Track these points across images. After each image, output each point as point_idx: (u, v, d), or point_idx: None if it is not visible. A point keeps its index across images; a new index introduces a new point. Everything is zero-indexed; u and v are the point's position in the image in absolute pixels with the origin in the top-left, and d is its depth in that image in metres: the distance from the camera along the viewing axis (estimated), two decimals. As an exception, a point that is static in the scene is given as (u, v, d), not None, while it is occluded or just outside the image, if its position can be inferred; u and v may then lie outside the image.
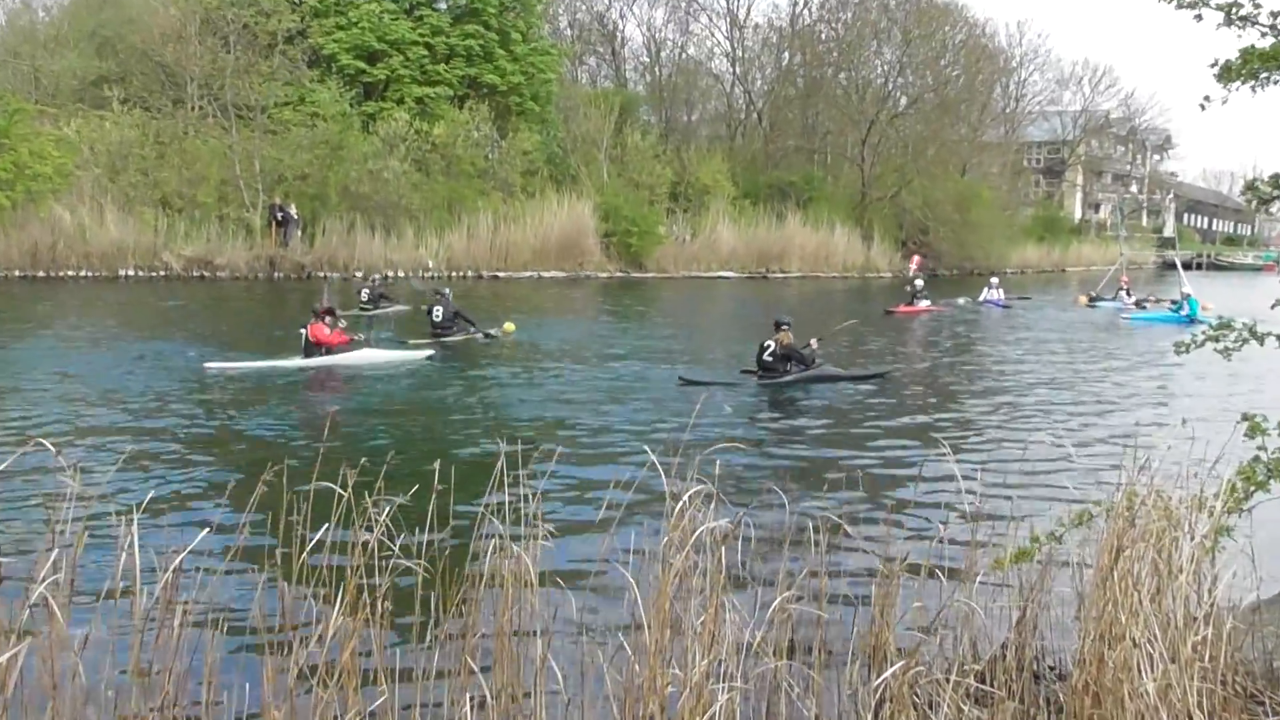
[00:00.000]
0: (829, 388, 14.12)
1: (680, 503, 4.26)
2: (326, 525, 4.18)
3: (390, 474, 4.68)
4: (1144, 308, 30.75)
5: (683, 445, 4.81)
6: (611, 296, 31.24)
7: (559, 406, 12.25)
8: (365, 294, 22.79)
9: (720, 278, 43.24)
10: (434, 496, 4.39)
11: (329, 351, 14.62)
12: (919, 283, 29.84)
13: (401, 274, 30.98)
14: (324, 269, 32.45)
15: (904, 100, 57.07)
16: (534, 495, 4.53)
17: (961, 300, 32.72)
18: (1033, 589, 4.79)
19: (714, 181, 46.83)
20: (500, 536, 4.29)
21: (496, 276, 36.11)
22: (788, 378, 14.03)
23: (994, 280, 34.34)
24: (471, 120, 38.81)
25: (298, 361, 14.44)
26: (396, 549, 4.14)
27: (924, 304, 28.62)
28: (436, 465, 4.52)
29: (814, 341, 14.79)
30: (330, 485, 4.23)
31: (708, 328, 23.78)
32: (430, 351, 15.98)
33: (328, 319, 14.83)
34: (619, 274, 40.25)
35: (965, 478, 8.44)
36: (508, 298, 27.77)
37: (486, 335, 18.23)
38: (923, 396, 13.95)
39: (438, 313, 18.42)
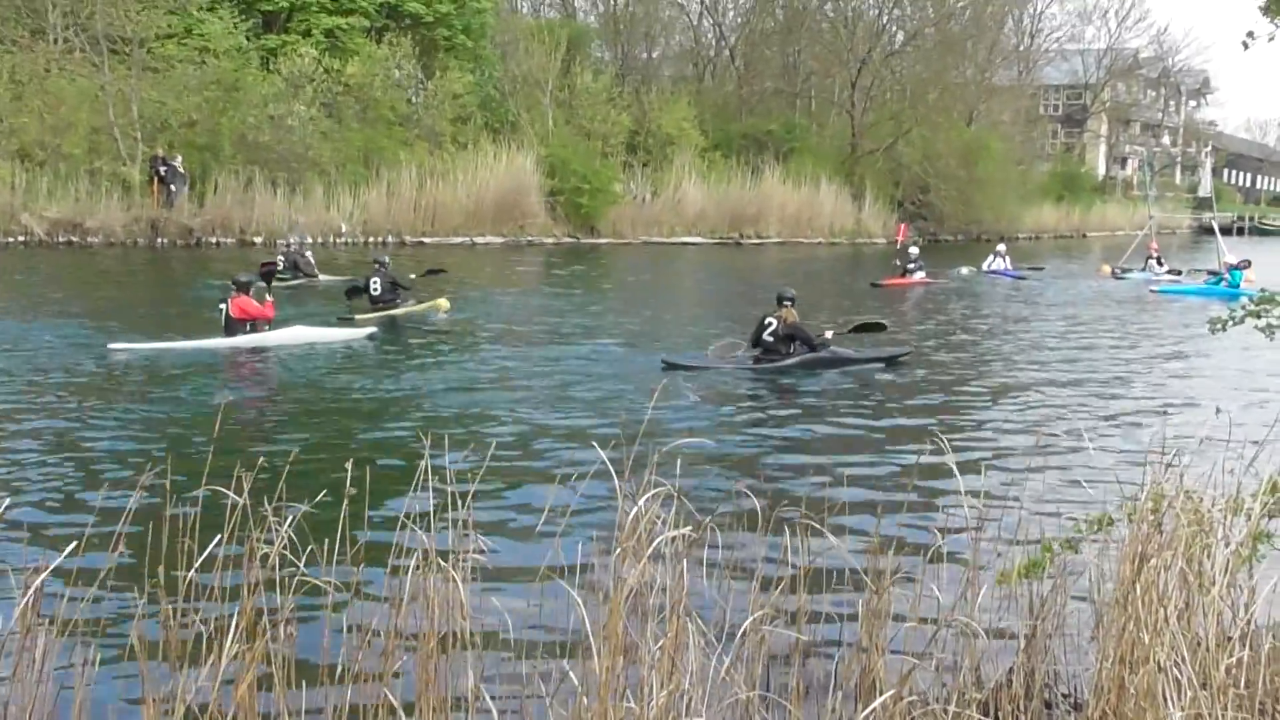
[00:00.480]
0: (837, 373, 14.23)
1: (635, 508, 4.27)
2: (219, 537, 4.14)
3: (296, 476, 4.66)
4: (1177, 279, 31.14)
5: (640, 440, 4.82)
6: (559, 266, 31.25)
7: (496, 396, 12.23)
8: (280, 260, 22.77)
9: (686, 244, 43.34)
10: (346, 503, 4.36)
11: (254, 328, 14.76)
12: (914, 250, 30.04)
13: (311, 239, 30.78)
14: (215, 233, 32.15)
15: (900, 36, 57.50)
16: (465, 500, 4.52)
17: (964, 270, 32.96)
18: (1044, 606, 4.85)
19: (679, 130, 46.91)
20: (425, 550, 4.28)
21: (422, 242, 35.94)
22: (790, 360, 14.18)
23: (1000, 247, 34.52)
24: (391, 57, 38.59)
25: (217, 341, 14.57)
26: (301, 565, 4.11)
27: (918, 275, 28.77)
28: (349, 466, 4.49)
29: (827, 333, 14.86)
30: (223, 490, 4.20)
31: (674, 303, 23.81)
32: (373, 329, 16.14)
33: (252, 290, 14.96)
34: (567, 239, 40.20)
35: (967, 476, 8.54)
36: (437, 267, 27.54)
37: (422, 305, 18.75)
38: (921, 383, 14.05)
39: (375, 284, 18.68)
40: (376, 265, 19.13)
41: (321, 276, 23.67)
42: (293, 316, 16.73)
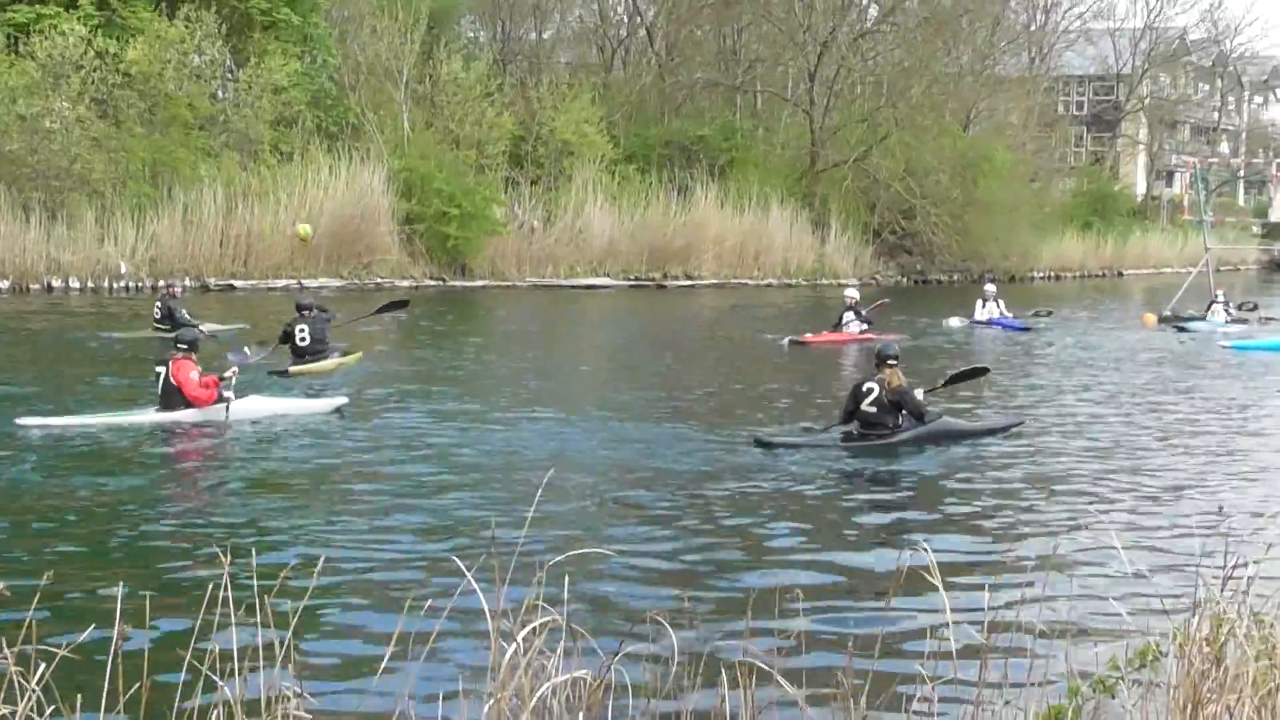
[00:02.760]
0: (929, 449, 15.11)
1: (513, 645, 4.23)
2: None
3: (53, 603, 4.57)
4: (1249, 321, 31.55)
5: (519, 549, 4.79)
6: (422, 317, 31.07)
7: (328, 486, 12.28)
8: (158, 308, 24.73)
9: (592, 288, 43.47)
10: (118, 640, 4.29)
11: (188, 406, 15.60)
12: (852, 293, 29.73)
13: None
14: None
15: (874, 10, 58.42)
16: (286, 635, 4.46)
17: (954, 321, 33.25)
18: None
19: (579, 136, 47.25)
20: (227, 701, 4.21)
21: (232, 287, 35.71)
22: (903, 434, 15.16)
23: (989, 289, 34.39)
24: (190, 37, 38.50)
25: (150, 416, 15.47)
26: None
27: (855, 330, 28.27)
28: (119, 590, 4.43)
29: (919, 393, 15.69)
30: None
31: (577, 366, 23.81)
32: (343, 400, 17.05)
33: (194, 356, 15.85)
34: (430, 282, 40.20)
35: (963, 593, 8.58)
36: (251, 319, 27.36)
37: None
38: (900, 467, 14.19)
39: (303, 333, 20.41)
40: (301, 312, 20.71)
41: (207, 326, 24.32)
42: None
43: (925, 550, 5.46)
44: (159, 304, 25.06)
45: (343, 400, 17.03)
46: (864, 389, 15.17)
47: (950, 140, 57.35)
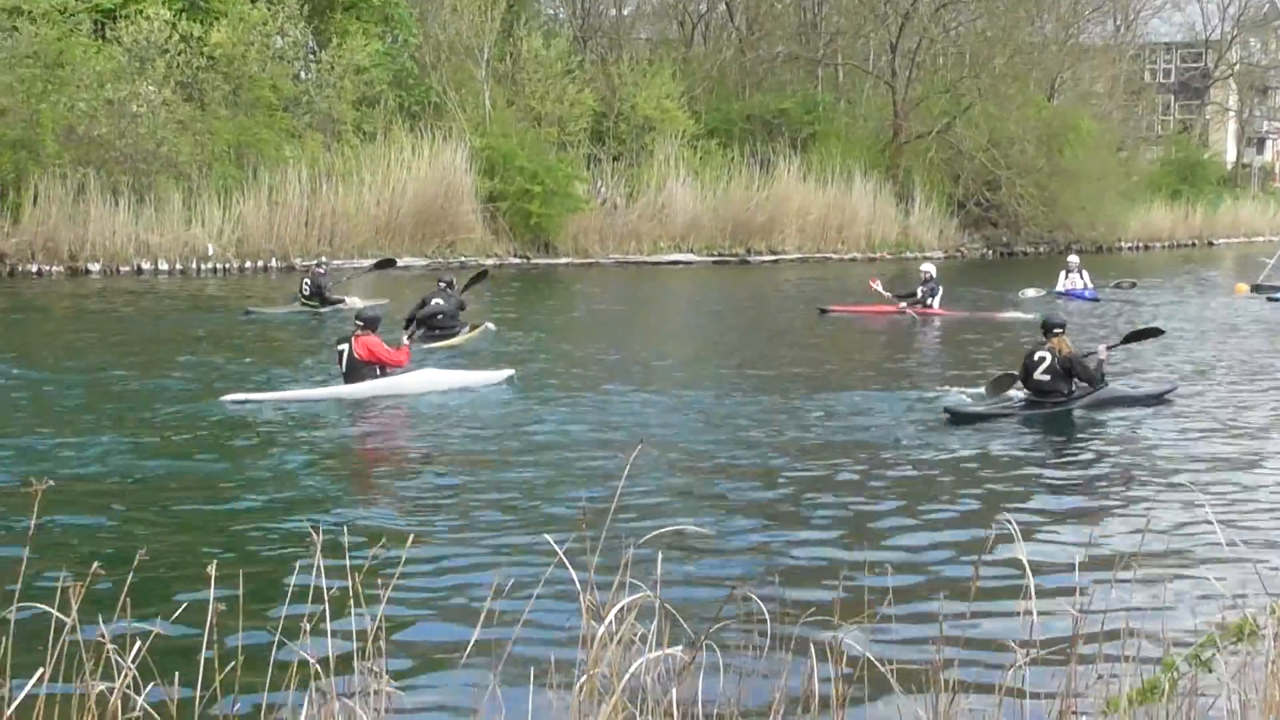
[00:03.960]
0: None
1: (605, 623, 4.23)
2: (39, 672, 4.11)
3: (147, 582, 4.61)
4: None
5: (608, 526, 4.78)
6: (506, 295, 31.17)
7: (422, 466, 12.39)
8: (306, 285, 25.98)
9: (675, 264, 43.42)
10: (211, 621, 4.32)
11: (383, 372, 16.38)
12: (928, 268, 29.22)
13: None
14: (35, 259, 32.08)
15: (957, -20, 57.84)
16: (375, 614, 4.48)
17: (1030, 292, 32.90)
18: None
19: (660, 112, 47.15)
20: (316, 681, 4.23)
21: (319, 266, 35.95)
22: (1080, 401, 15.66)
23: (1073, 260, 34.12)
24: (272, 20, 38.75)
25: (335, 390, 16.35)
26: (141, 703, 4.07)
27: (932, 303, 27.88)
28: (212, 569, 4.46)
29: (1102, 349, 16.50)
30: (43, 608, 4.17)
31: (667, 344, 23.79)
32: (510, 371, 17.58)
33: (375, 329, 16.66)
34: (513, 260, 40.28)
35: (1051, 576, 8.50)
36: (371, 296, 27.55)
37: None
38: (984, 442, 14.09)
39: (437, 305, 21.45)
40: (441, 286, 22.08)
41: (349, 300, 25.58)
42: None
43: (1010, 524, 5.39)
44: (307, 280, 26.18)
45: (510, 371, 17.50)
46: (1035, 358, 15.56)
47: (1035, 110, 56.71)
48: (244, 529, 10.08)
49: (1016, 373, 16.22)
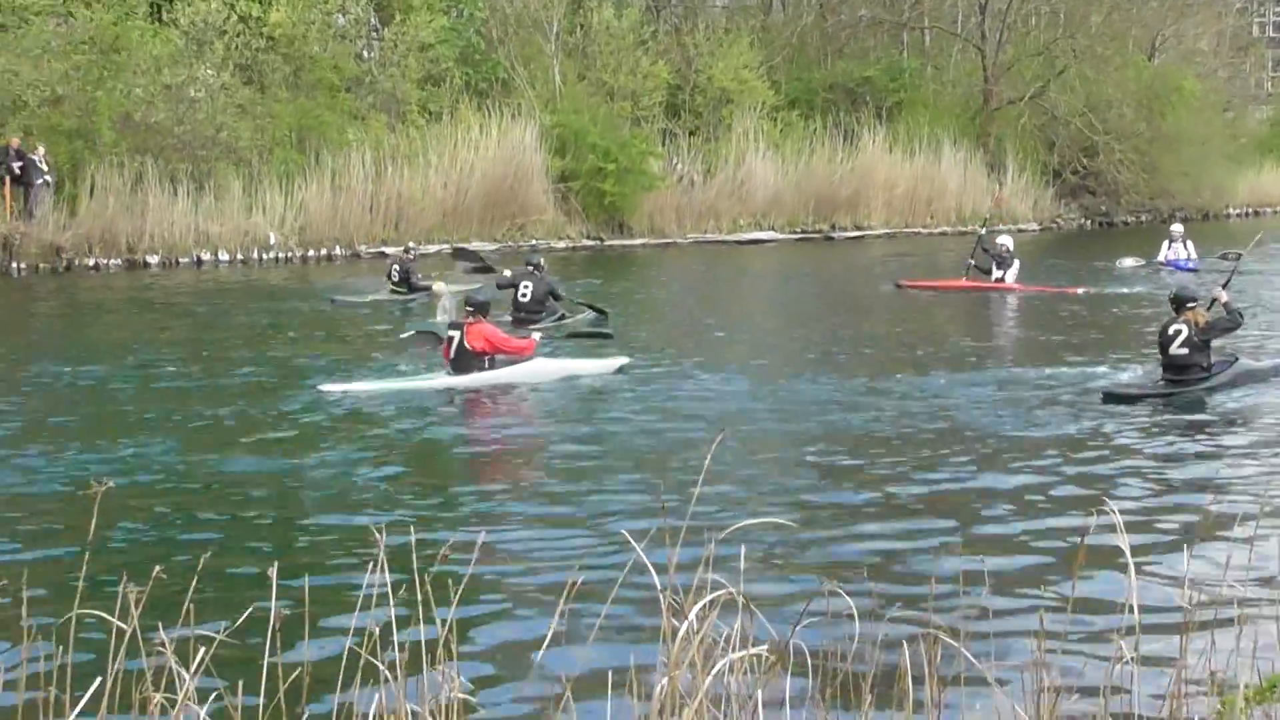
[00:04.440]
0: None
1: (686, 621, 4.21)
2: (98, 680, 4.15)
3: (212, 587, 4.64)
4: None
5: (689, 519, 4.76)
6: (576, 278, 31.21)
7: (499, 460, 12.47)
8: (395, 271, 26.48)
9: (756, 242, 43.30)
10: (275, 627, 4.35)
11: (492, 363, 16.38)
12: (1005, 240, 28.90)
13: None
14: (94, 252, 32.36)
15: (1048, -65, 57.31)
16: (446, 617, 4.49)
17: (1127, 262, 32.61)
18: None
19: (738, 84, 46.99)
20: (385, 686, 4.24)
21: (383, 253, 36.10)
22: (1220, 376, 15.67)
23: (1176, 229, 33.90)
24: (332, -3, 38.92)
25: (443, 380, 16.33)
26: (203, 716, 4.10)
27: (1008, 276, 27.68)
28: (274, 569, 4.50)
29: (1218, 291, 16.43)
30: (103, 615, 4.21)
31: (758, 321, 23.77)
32: (624, 359, 17.51)
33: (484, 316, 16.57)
34: (587, 242, 40.27)
35: (1166, 555, 8.39)
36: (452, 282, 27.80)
37: (600, 333, 20.53)
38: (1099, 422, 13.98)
39: (525, 290, 21.42)
40: (530, 268, 21.91)
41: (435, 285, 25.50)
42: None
43: (1112, 512, 5.32)
44: (396, 266, 26.60)
45: (624, 359, 17.44)
46: (1170, 331, 15.47)
47: (1134, 71, 56.10)
48: (313, 529, 10.14)
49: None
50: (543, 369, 16.97)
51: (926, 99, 51.91)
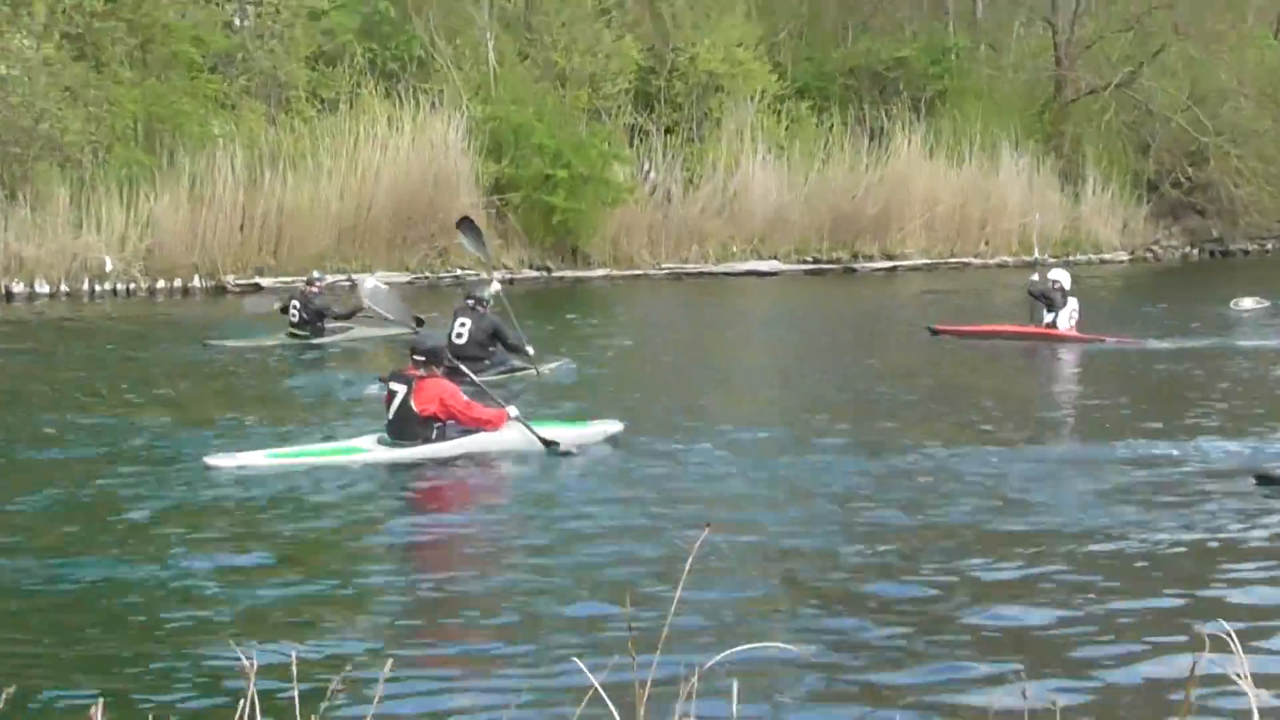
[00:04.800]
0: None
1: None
2: None
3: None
4: None
5: (663, 637, 4.78)
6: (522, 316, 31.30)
7: (425, 557, 12.68)
8: (295, 309, 26.68)
9: (753, 275, 43.39)
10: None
11: (441, 433, 16.25)
12: (1061, 274, 29.00)
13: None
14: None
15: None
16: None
17: (1246, 302, 33.04)
18: None
19: (731, 65, 47.27)
20: None
21: (257, 285, 36.09)
22: None
23: None
24: (194, -52, 39.03)
25: (374, 452, 16.17)
26: None
27: (1045, 321, 27.79)
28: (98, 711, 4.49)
29: None
30: None
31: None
32: (618, 427, 17.60)
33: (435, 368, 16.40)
34: (532, 273, 40.33)
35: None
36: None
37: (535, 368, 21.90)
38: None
39: (461, 331, 21.61)
40: (469, 304, 22.14)
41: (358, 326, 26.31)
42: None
43: (1230, 638, 5.39)
44: (295, 303, 26.65)
45: (617, 426, 17.52)
46: None
47: (1256, 51, 56.54)
48: (167, 655, 10.10)
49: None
50: (506, 437, 16.62)
51: (979, 88, 52.28)
